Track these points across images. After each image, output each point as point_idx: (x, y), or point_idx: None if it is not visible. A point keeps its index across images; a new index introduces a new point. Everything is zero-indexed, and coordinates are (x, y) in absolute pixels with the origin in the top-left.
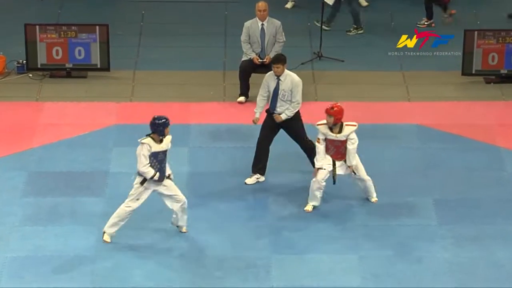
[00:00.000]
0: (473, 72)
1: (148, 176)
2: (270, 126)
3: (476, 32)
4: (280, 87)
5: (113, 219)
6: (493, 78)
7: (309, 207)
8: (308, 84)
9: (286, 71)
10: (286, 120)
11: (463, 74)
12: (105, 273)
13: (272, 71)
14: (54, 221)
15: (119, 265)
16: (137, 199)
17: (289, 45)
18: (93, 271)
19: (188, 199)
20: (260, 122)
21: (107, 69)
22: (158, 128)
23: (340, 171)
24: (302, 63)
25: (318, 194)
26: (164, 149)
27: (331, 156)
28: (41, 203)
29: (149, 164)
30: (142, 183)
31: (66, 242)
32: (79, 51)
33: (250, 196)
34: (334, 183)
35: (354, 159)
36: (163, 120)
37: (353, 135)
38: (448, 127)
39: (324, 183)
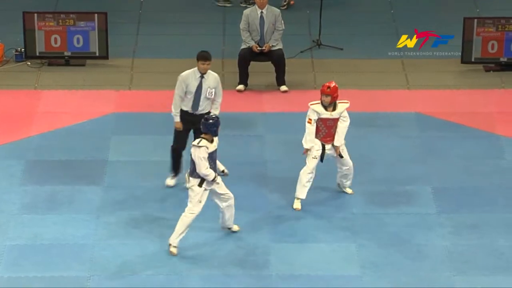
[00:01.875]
0: (473, 60)
1: (210, 178)
2: (186, 129)
3: (475, 20)
4: (204, 85)
5: (179, 229)
6: (492, 66)
7: (298, 205)
8: (307, 72)
9: None
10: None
11: (462, 62)
12: (104, 261)
13: (188, 71)
14: (53, 209)
15: (118, 253)
16: (199, 202)
17: (288, 33)
18: (92, 259)
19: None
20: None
21: (106, 57)
22: (212, 128)
23: (334, 154)
24: (301, 51)
25: (308, 185)
26: (215, 148)
27: (321, 139)
28: (39, 192)
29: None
30: (200, 184)
31: (64, 231)
32: (78, 39)
33: (249, 184)
34: (321, 161)
35: (343, 139)
36: (216, 120)
37: (346, 113)
38: (447, 115)
39: (314, 173)
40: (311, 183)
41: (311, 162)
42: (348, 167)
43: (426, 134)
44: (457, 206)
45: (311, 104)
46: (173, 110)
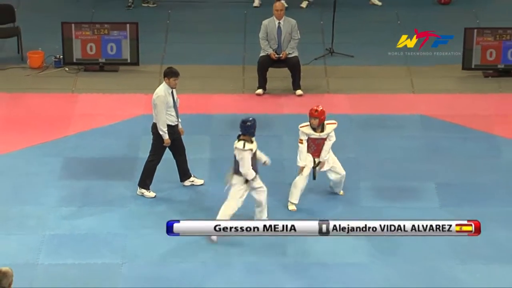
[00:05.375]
0: (473, 66)
1: (251, 177)
2: (164, 147)
3: (475, 30)
4: (175, 97)
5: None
6: (491, 72)
7: (293, 207)
8: (320, 77)
9: None
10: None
11: (463, 68)
12: (135, 250)
13: (162, 90)
14: (88, 202)
15: (147, 242)
16: (241, 197)
17: (303, 42)
18: (124, 248)
19: (209, 182)
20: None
21: (137, 63)
22: (250, 130)
23: (322, 169)
24: (315, 58)
25: (301, 191)
26: (256, 147)
27: (311, 153)
28: (76, 186)
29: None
30: (246, 182)
31: (99, 222)
32: (111, 47)
33: (267, 180)
34: (314, 178)
35: (327, 155)
36: (253, 122)
37: (333, 133)
38: (449, 117)
39: (307, 180)
40: (303, 189)
41: (305, 170)
42: (340, 176)
43: (430, 134)
44: (459, 200)
45: (300, 127)
46: (163, 129)
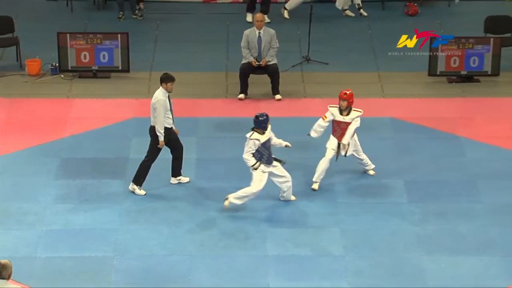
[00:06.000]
0: (438, 73)
1: (249, 164)
2: (160, 148)
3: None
4: (171, 103)
5: (241, 194)
6: (454, 78)
7: (316, 186)
8: (297, 83)
9: None
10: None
11: (429, 74)
12: (126, 243)
13: (160, 95)
14: (83, 200)
15: (138, 236)
16: (260, 181)
17: (282, 50)
18: (116, 242)
19: (195, 181)
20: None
21: (128, 70)
22: (262, 125)
23: (342, 152)
24: (293, 66)
25: (324, 172)
26: (268, 137)
27: (337, 138)
28: (72, 185)
29: (254, 153)
30: (254, 167)
31: (92, 218)
32: (104, 55)
33: (249, 178)
34: (336, 160)
35: (349, 139)
36: (265, 117)
37: (358, 119)
38: (417, 119)
39: (329, 163)
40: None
41: (329, 153)
42: (362, 156)
43: (399, 135)
44: (425, 196)
45: (330, 106)
46: (161, 131)
